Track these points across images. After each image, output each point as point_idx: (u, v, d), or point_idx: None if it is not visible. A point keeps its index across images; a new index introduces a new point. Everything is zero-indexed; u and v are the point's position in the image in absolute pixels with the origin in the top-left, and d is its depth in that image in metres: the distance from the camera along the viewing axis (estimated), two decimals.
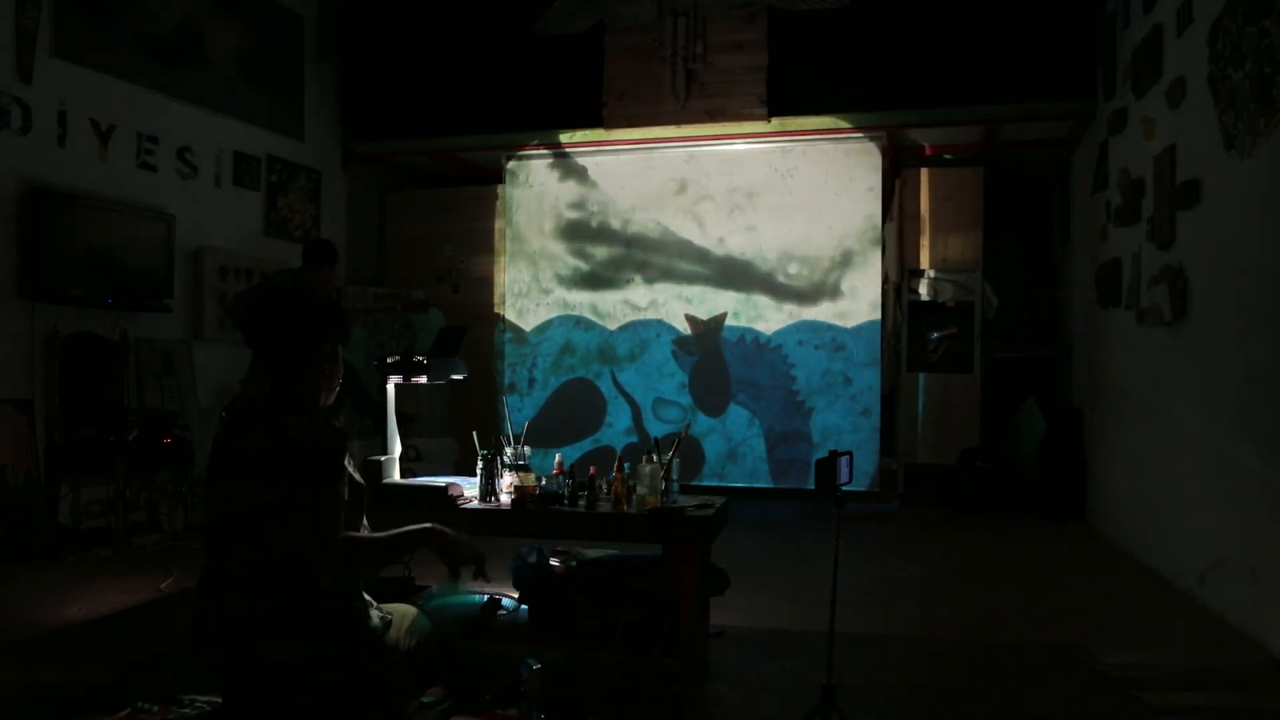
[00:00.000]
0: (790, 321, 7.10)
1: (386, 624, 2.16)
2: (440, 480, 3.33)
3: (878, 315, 6.99)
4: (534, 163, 7.59)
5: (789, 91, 6.83)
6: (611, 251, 7.44)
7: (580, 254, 7.51)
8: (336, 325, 2.20)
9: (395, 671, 2.13)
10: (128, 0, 5.81)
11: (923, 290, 7.37)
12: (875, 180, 6.97)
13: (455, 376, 3.77)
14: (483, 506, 3.25)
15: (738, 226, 7.20)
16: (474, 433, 3.48)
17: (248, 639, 1.97)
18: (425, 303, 7.64)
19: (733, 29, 6.91)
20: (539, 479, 3.25)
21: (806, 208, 7.07)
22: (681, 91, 6.97)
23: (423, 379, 3.57)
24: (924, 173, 7.37)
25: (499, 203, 7.77)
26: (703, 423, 7.21)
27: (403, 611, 2.25)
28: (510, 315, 7.64)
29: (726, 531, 3.48)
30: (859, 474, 6.75)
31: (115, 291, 5.55)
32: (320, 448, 2.00)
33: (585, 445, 7.36)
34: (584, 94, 7.17)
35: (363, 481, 2.27)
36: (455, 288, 7.95)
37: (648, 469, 3.17)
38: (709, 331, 7.26)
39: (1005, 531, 6.13)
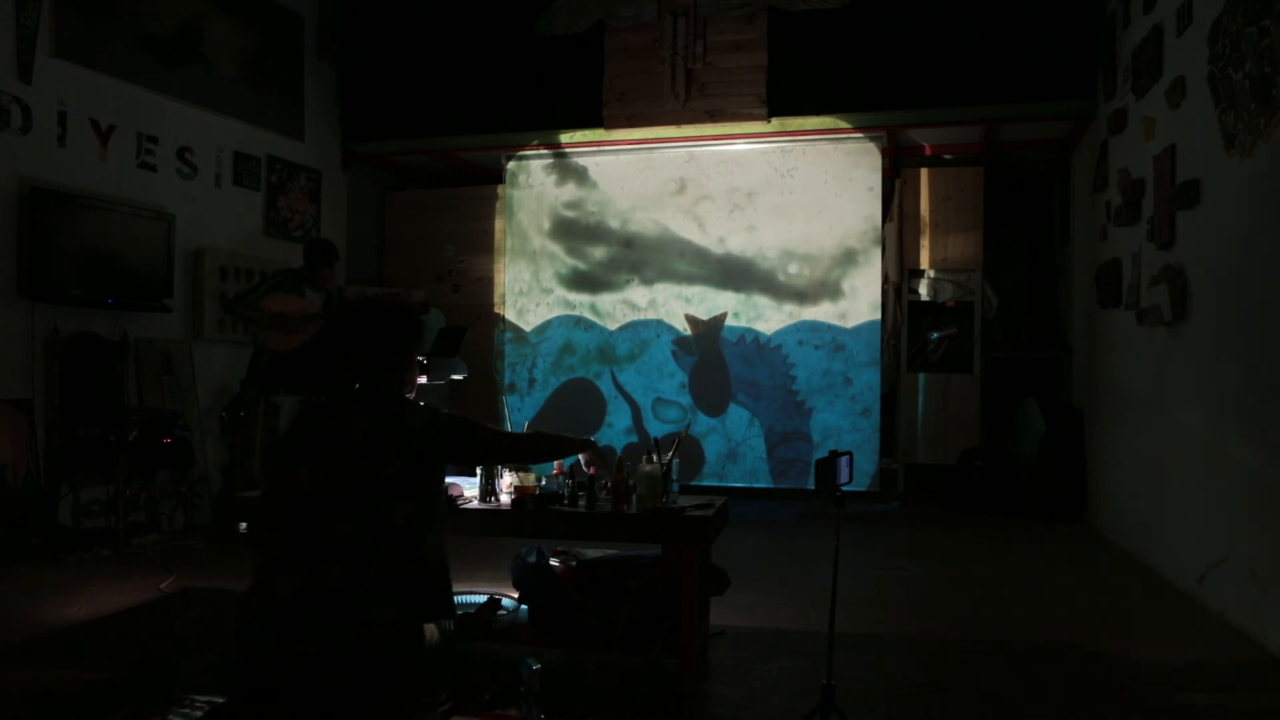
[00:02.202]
0: (790, 321, 7.10)
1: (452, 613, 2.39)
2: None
3: (878, 315, 6.99)
4: (534, 163, 7.59)
5: (789, 91, 6.83)
6: (611, 251, 7.44)
7: (580, 254, 7.51)
8: (419, 334, 2.49)
9: (420, 670, 2.25)
10: (128, 0, 5.81)
11: (923, 290, 7.37)
12: (875, 180, 6.97)
13: (455, 376, 3.78)
14: (483, 506, 3.25)
15: (738, 226, 7.20)
16: None
17: (355, 600, 2.11)
18: (425, 305, 7.64)
19: (733, 29, 6.91)
20: (539, 479, 3.25)
21: (806, 208, 7.07)
22: (681, 91, 6.97)
23: (423, 379, 3.57)
24: (924, 173, 7.37)
25: (499, 203, 7.77)
26: (703, 423, 7.21)
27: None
28: (510, 315, 7.64)
29: (726, 531, 3.48)
30: (859, 474, 6.75)
31: (115, 291, 5.55)
32: (440, 422, 2.34)
33: None
34: (584, 94, 7.17)
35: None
36: (455, 288, 7.95)
37: (648, 469, 3.18)
38: (709, 331, 7.26)
39: (1005, 531, 6.13)
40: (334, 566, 2.13)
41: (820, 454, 4.53)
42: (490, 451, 2.58)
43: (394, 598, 2.15)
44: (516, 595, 3.44)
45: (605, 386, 7.44)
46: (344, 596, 2.11)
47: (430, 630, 2.31)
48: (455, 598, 3.64)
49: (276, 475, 2.28)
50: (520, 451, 2.70)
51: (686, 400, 7.29)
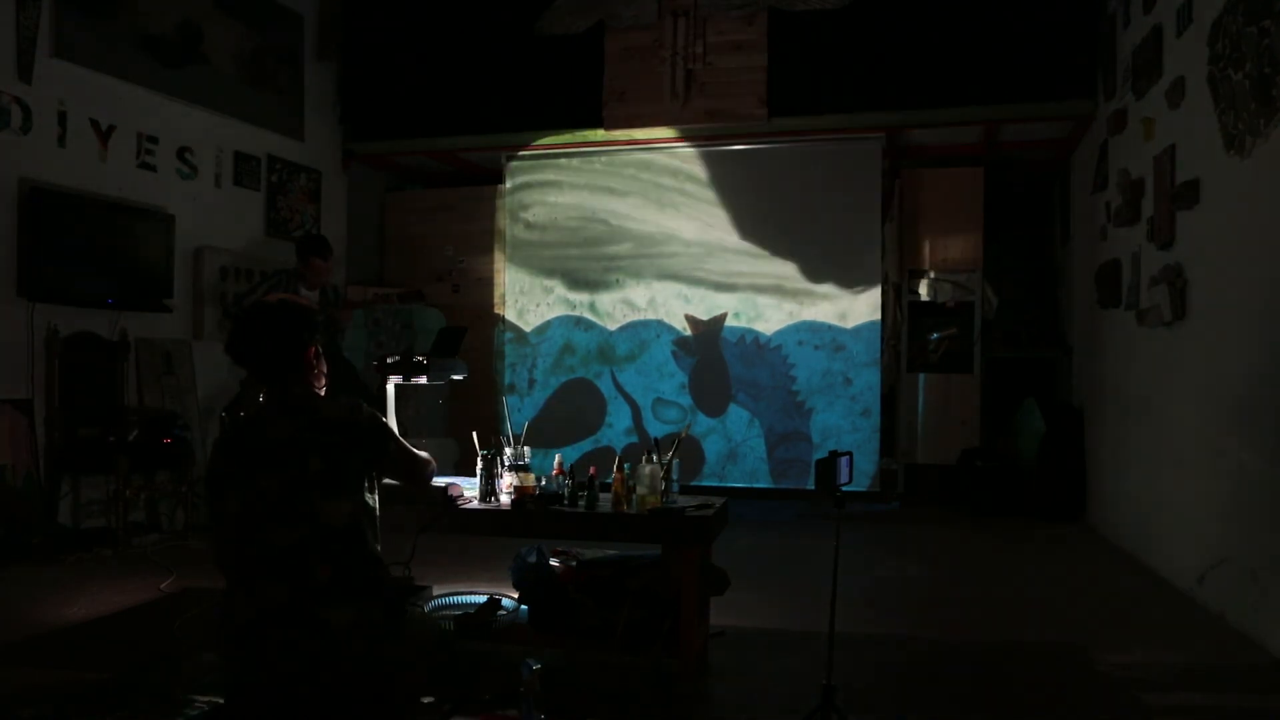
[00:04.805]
0: (790, 321, 7.10)
1: (403, 610, 2.27)
2: (440, 480, 3.33)
3: (878, 315, 6.98)
4: (534, 163, 7.58)
5: (789, 91, 6.83)
6: (611, 251, 7.44)
7: (580, 254, 7.50)
8: (310, 327, 2.36)
9: (408, 668, 2.18)
10: (128, 0, 5.81)
11: (923, 290, 7.37)
12: (875, 180, 6.97)
13: (455, 377, 3.77)
14: (483, 507, 3.25)
15: (738, 226, 7.19)
16: (474, 433, 3.48)
17: (309, 610, 2.06)
18: (420, 292, 7.63)
19: (733, 29, 6.91)
20: (539, 479, 3.25)
21: (806, 208, 7.07)
22: (681, 91, 6.97)
23: (423, 379, 3.57)
24: (924, 173, 7.36)
25: (499, 203, 7.77)
26: (703, 423, 7.21)
27: (410, 613, 2.30)
28: (510, 315, 7.64)
29: (726, 531, 3.48)
30: (859, 474, 6.75)
31: (115, 291, 5.55)
32: (361, 419, 2.25)
33: (585, 445, 7.36)
34: (584, 94, 7.16)
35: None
36: (455, 288, 7.94)
37: (648, 469, 3.17)
38: (709, 331, 7.26)
39: (1005, 531, 6.13)
40: (281, 581, 2.07)
41: (820, 454, 4.53)
42: (398, 465, 2.40)
43: (346, 601, 2.09)
44: (516, 595, 3.44)
45: (605, 386, 7.43)
46: (295, 610, 2.06)
47: (426, 624, 2.31)
48: (455, 598, 3.67)
49: (214, 502, 2.21)
50: (413, 476, 2.52)
51: (686, 400, 7.29)
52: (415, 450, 2.48)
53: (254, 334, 2.30)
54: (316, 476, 2.13)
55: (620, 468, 3.24)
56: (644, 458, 3.21)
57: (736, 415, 7.20)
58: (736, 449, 7.19)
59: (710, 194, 7.24)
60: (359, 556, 2.16)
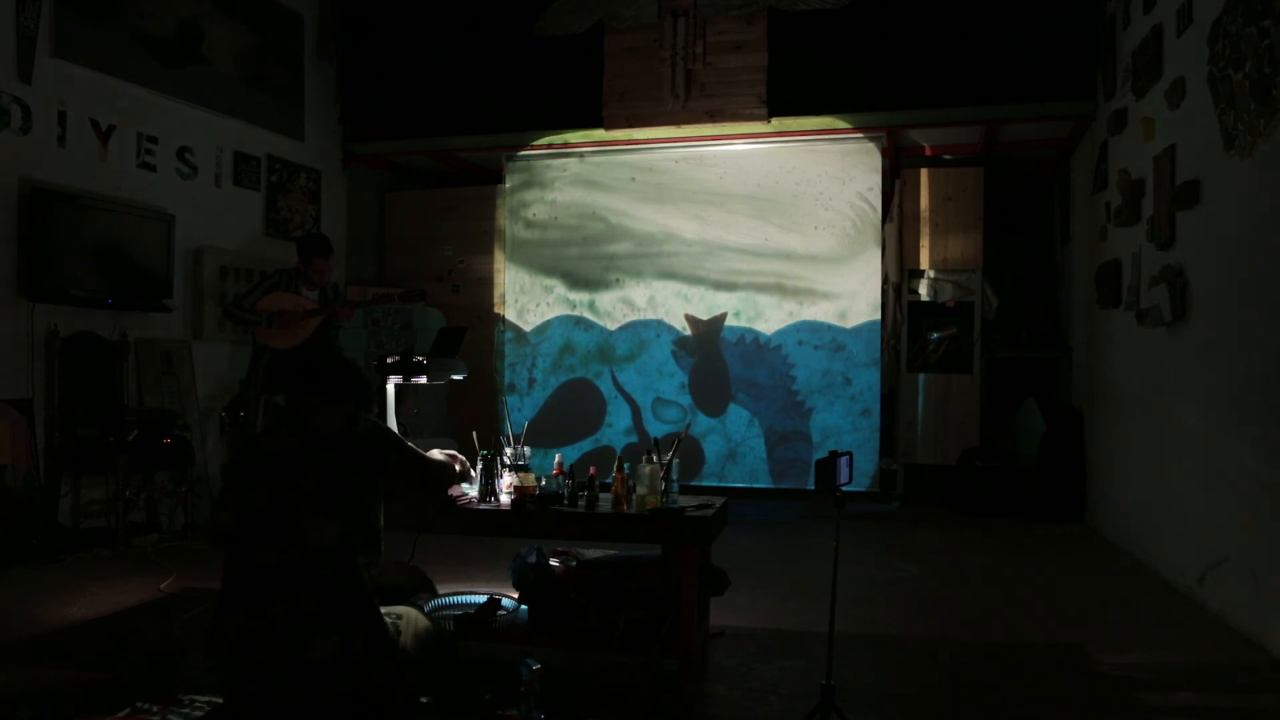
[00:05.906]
0: (790, 321, 7.10)
1: (398, 629, 2.22)
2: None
3: (877, 315, 6.98)
4: (534, 163, 7.59)
5: (789, 91, 6.83)
6: (611, 251, 7.44)
7: (580, 253, 7.50)
8: (353, 387, 2.36)
9: (406, 673, 2.17)
10: (128, 0, 5.81)
11: (923, 290, 7.37)
12: (875, 180, 6.97)
13: (455, 376, 3.78)
14: (483, 506, 3.25)
15: (738, 226, 7.19)
16: (474, 433, 3.48)
17: (293, 637, 2.02)
18: (421, 292, 7.64)
19: (733, 29, 6.91)
20: (539, 479, 3.25)
21: (806, 208, 7.07)
22: (681, 91, 6.97)
23: (423, 379, 3.58)
24: (924, 173, 7.36)
25: (499, 202, 7.77)
26: (703, 423, 7.21)
27: (408, 615, 2.28)
28: (510, 315, 7.64)
29: (726, 531, 3.48)
30: (859, 474, 6.75)
31: (115, 291, 5.55)
32: (358, 430, 2.22)
33: (585, 445, 7.36)
34: (584, 94, 7.17)
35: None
36: (455, 288, 7.95)
37: (648, 469, 3.18)
38: (709, 331, 7.26)
39: (1005, 531, 6.12)
40: (271, 601, 2.04)
41: (820, 454, 4.53)
42: (403, 475, 2.34)
43: (330, 631, 2.04)
44: (516, 595, 3.44)
45: (605, 386, 7.43)
46: (282, 634, 2.02)
47: (425, 625, 2.30)
48: (455, 598, 3.67)
49: (218, 516, 2.21)
50: (423, 483, 2.48)
51: (686, 400, 7.29)
52: (427, 456, 2.40)
53: (305, 367, 2.39)
54: (307, 494, 2.08)
55: (620, 468, 3.24)
56: (644, 458, 3.21)
57: (736, 415, 7.20)
58: (736, 449, 7.19)
59: (710, 194, 7.24)
60: (347, 581, 2.10)
